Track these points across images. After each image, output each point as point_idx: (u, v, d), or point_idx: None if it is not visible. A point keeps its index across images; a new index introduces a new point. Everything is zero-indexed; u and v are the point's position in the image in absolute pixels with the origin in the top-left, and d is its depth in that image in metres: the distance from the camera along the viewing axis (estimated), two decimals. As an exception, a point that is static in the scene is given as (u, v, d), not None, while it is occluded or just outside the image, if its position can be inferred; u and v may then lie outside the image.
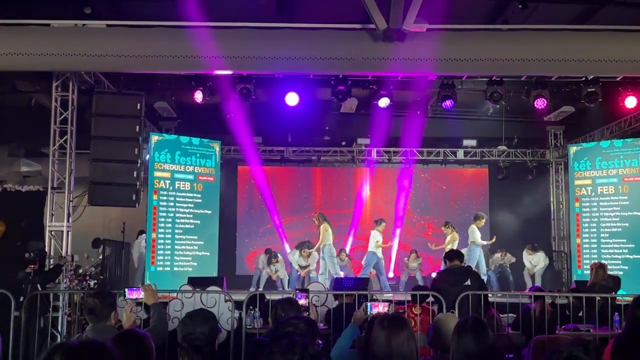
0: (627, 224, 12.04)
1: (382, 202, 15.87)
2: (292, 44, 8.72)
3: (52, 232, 9.64)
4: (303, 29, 9.03)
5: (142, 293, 4.89)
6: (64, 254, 9.37)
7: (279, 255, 13.61)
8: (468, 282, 7.14)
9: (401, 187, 15.62)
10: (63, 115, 9.79)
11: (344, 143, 15.65)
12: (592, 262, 12.17)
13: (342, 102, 10.95)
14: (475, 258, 12.64)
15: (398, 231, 15.27)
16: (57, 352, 2.08)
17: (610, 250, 12.12)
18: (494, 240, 13.93)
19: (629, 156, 12.14)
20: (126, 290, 4.99)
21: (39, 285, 8.04)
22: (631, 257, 11.81)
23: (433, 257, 14.29)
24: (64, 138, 9.79)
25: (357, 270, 13.72)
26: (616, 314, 7.22)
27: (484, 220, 13.29)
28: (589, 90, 10.50)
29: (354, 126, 14.79)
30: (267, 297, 8.35)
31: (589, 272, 12.05)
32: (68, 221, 9.70)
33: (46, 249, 9.33)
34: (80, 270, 9.81)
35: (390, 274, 14.16)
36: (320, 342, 3.79)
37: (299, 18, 9.75)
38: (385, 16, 7.87)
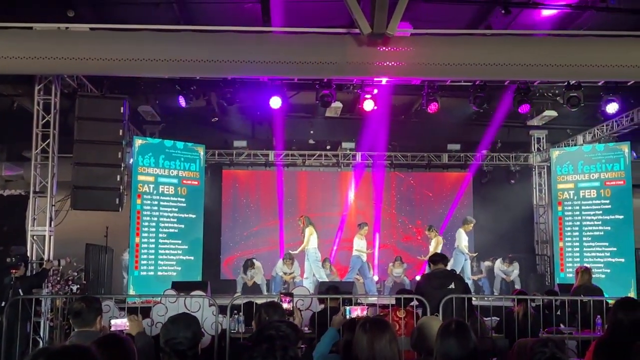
0: (608, 228, 12.15)
1: (367, 206, 15.90)
2: (276, 47, 8.73)
3: (34, 237, 9.55)
4: (287, 33, 9.04)
5: (128, 323, 4.86)
6: (46, 258, 9.29)
7: (255, 261, 13.51)
8: (452, 286, 7.16)
9: (377, 190, 15.75)
10: (45, 119, 9.73)
11: (328, 147, 15.68)
12: (577, 265, 12.32)
13: (327, 106, 10.95)
14: (461, 263, 12.67)
15: (377, 235, 15.39)
16: (42, 356, 2.06)
17: (593, 254, 12.21)
18: (475, 254, 14.01)
19: (610, 160, 12.25)
20: (110, 321, 4.96)
21: (20, 290, 7.96)
22: (613, 260, 11.91)
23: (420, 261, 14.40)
24: (47, 142, 9.72)
25: (343, 275, 13.74)
26: (598, 317, 7.26)
27: (471, 225, 13.32)
28: (571, 94, 10.60)
29: (338, 130, 14.82)
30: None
31: (572, 275, 12.20)
32: (50, 225, 9.62)
33: (28, 254, 9.25)
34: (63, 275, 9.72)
35: (375, 277, 14.18)
36: (303, 345, 3.78)
37: (283, 22, 9.76)
38: (369, 21, 7.89)
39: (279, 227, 15.29)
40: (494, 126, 14.18)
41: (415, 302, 7.03)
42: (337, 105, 12.12)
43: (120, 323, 4.88)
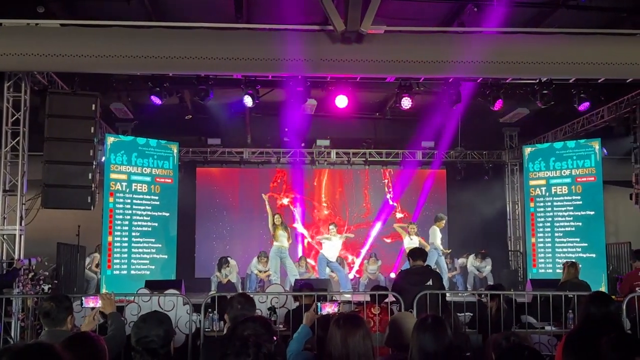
0: (580, 223, 12.33)
1: (341, 203, 15.93)
2: (249, 45, 8.69)
3: (4, 236, 9.41)
4: (261, 29, 9.01)
5: (100, 301, 4.77)
6: (17, 258, 9.16)
7: (229, 260, 13.40)
8: (430, 282, 7.14)
9: (351, 187, 15.86)
10: (15, 117, 9.58)
11: (303, 144, 15.65)
12: (549, 261, 12.50)
13: (301, 103, 10.93)
14: (434, 259, 12.72)
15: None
16: (5, 354, 2.04)
17: (564, 249, 12.38)
18: (449, 251, 14.10)
19: (581, 157, 12.43)
20: (83, 298, 4.85)
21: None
22: (584, 255, 12.07)
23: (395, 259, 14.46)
24: (17, 139, 9.57)
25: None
26: (570, 311, 7.33)
27: (444, 222, 13.41)
28: (542, 92, 10.70)
29: (313, 127, 14.78)
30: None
31: (544, 270, 12.38)
32: (21, 224, 9.48)
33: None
34: (33, 274, 9.57)
35: (350, 275, 14.21)
36: (276, 340, 3.77)
37: (256, 19, 9.73)
38: (343, 18, 7.90)
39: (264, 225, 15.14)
40: (467, 123, 14.26)
41: (390, 299, 7.05)
42: (312, 102, 12.10)
43: (92, 301, 4.78)
